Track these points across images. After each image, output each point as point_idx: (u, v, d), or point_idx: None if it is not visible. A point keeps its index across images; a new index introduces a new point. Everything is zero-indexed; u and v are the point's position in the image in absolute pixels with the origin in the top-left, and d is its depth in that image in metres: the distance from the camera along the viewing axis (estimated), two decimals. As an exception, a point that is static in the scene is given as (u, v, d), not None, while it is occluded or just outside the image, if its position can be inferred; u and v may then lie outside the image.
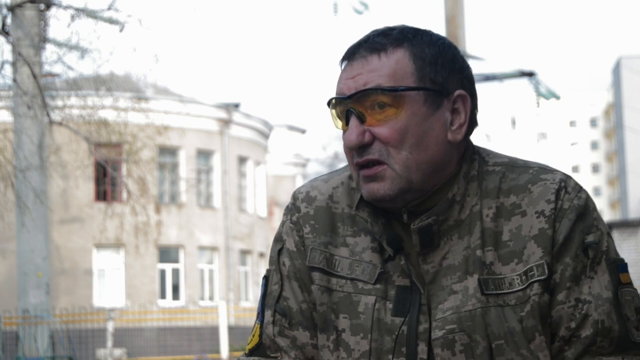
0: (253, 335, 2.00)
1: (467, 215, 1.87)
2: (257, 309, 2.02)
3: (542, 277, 1.81)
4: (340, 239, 1.94)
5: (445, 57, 1.87)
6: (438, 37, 1.89)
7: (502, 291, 1.82)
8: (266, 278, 2.01)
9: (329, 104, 1.89)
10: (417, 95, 1.83)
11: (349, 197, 1.96)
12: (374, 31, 1.89)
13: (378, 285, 1.88)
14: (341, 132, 1.87)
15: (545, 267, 1.82)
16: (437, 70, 1.85)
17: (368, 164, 1.83)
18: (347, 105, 1.84)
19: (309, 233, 1.95)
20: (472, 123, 1.90)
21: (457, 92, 1.86)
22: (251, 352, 2.00)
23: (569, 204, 1.84)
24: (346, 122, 1.85)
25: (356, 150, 1.83)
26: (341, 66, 1.89)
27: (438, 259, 1.86)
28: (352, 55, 1.87)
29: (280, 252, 1.99)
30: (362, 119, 1.83)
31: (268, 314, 1.98)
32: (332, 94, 1.90)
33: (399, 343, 1.84)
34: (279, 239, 2.00)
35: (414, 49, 1.85)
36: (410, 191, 1.83)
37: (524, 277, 1.82)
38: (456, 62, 1.88)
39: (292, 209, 1.99)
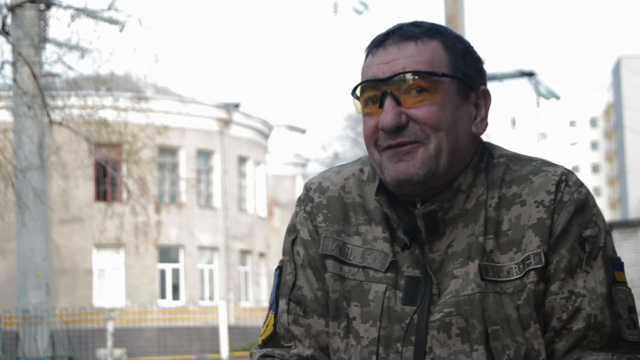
0: (267, 326, 2.01)
1: (473, 205, 1.89)
2: (270, 300, 2.02)
3: (539, 266, 1.83)
4: (352, 227, 1.96)
5: (472, 54, 1.93)
6: (461, 36, 1.95)
7: (500, 279, 1.84)
8: (280, 268, 2.02)
9: (355, 89, 1.91)
10: (451, 83, 1.88)
11: (359, 189, 1.98)
12: (402, 23, 1.93)
13: (389, 274, 1.90)
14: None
15: (542, 256, 1.84)
16: (467, 64, 1.91)
17: (401, 146, 1.85)
18: (381, 89, 1.86)
19: (322, 222, 1.97)
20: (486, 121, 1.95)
21: (482, 88, 1.93)
22: (264, 343, 2.00)
23: (569, 197, 1.87)
24: (379, 105, 1.86)
25: (390, 132, 1.85)
26: (371, 53, 1.91)
27: (444, 247, 1.89)
28: (383, 42, 1.90)
29: (294, 242, 2.01)
30: (398, 102, 1.85)
31: (282, 303, 1.99)
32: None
33: (409, 332, 1.86)
34: (292, 229, 2.02)
35: (446, 41, 1.90)
36: (435, 176, 1.86)
37: (521, 266, 1.84)
38: (479, 61, 1.95)
39: (305, 200, 2.02)
